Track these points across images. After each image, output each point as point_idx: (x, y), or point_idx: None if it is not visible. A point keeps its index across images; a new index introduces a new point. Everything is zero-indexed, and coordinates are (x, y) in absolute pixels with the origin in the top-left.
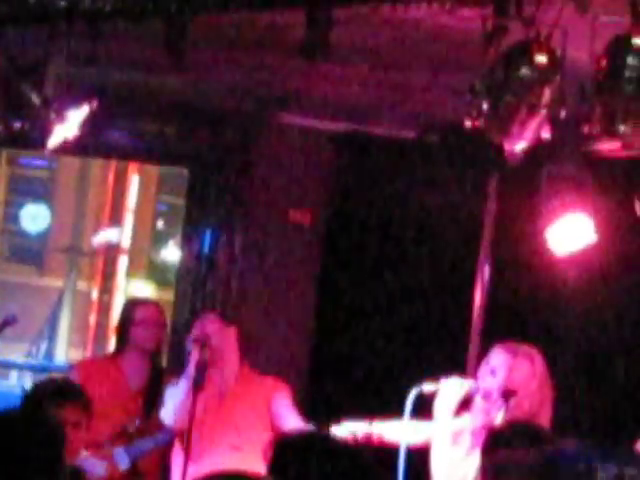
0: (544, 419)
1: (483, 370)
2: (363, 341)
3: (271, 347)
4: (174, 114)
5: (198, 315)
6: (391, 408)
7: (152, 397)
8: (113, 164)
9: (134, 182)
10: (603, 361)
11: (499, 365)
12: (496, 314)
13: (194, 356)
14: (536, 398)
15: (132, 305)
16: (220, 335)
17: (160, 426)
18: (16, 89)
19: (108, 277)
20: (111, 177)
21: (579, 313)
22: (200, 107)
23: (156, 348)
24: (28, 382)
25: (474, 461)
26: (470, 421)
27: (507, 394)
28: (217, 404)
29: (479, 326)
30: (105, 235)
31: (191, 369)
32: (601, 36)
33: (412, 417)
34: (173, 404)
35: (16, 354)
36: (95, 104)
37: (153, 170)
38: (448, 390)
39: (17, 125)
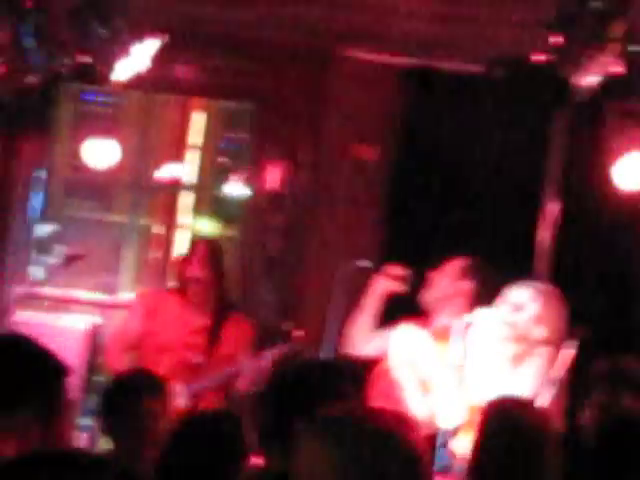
0: None
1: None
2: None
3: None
4: (241, 49)
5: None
6: None
7: (216, 333)
8: (177, 100)
9: (198, 118)
10: None
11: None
12: (563, 249)
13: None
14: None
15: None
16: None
17: (223, 363)
18: (84, 23)
19: (171, 213)
20: (175, 113)
21: None
22: (267, 42)
23: (202, 283)
24: (92, 317)
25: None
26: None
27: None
28: None
29: (545, 261)
30: (168, 170)
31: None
32: None
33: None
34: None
35: (80, 289)
36: (166, 38)
37: (217, 106)
38: (484, 321)
39: (85, 59)
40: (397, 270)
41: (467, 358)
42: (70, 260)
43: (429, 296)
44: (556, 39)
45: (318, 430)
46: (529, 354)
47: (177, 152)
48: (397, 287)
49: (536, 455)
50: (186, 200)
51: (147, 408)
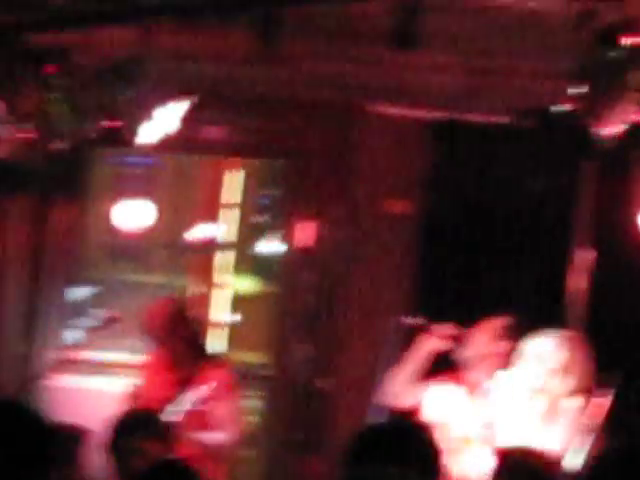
0: None
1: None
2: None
3: (373, 339)
4: (268, 107)
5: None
6: None
7: None
8: (210, 160)
9: (234, 176)
10: None
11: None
12: (595, 298)
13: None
14: None
15: None
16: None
17: None
18: (110, 87)
19: (208, 272)
20: (209, 172)
21: None
22: (295, 99)
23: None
24: (128, 380)
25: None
26: None
27: None
28: None
29: (578, 312)
30: (203, 230)
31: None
32: None
33: None
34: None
35: (117, 351)
36: (195, 99)
37: (253, 164)
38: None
39: (112, 124)
40: (448, 330)
41: (500, 416)
42: (107, 323)
43: (467, 353)
44: (576, 89)
45: None
46: (559, 406)
47: (211, 211)
48: (445, 346)
49: None
50: (225, 259)
51: None
